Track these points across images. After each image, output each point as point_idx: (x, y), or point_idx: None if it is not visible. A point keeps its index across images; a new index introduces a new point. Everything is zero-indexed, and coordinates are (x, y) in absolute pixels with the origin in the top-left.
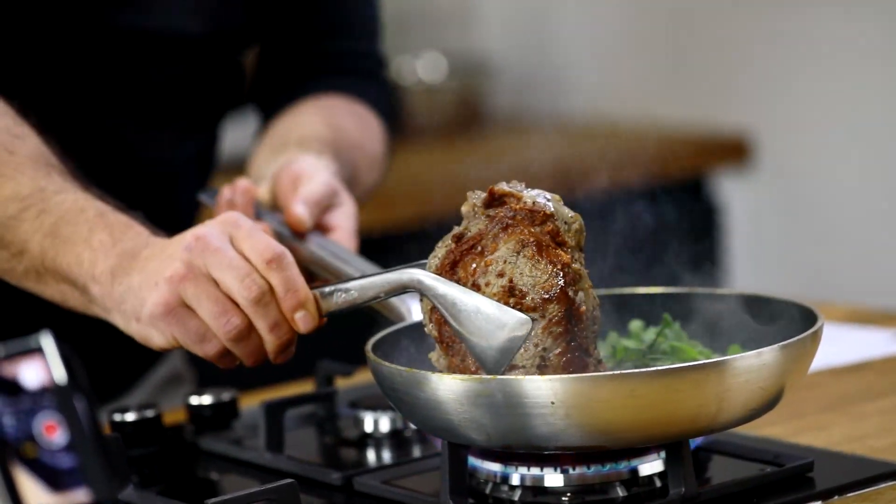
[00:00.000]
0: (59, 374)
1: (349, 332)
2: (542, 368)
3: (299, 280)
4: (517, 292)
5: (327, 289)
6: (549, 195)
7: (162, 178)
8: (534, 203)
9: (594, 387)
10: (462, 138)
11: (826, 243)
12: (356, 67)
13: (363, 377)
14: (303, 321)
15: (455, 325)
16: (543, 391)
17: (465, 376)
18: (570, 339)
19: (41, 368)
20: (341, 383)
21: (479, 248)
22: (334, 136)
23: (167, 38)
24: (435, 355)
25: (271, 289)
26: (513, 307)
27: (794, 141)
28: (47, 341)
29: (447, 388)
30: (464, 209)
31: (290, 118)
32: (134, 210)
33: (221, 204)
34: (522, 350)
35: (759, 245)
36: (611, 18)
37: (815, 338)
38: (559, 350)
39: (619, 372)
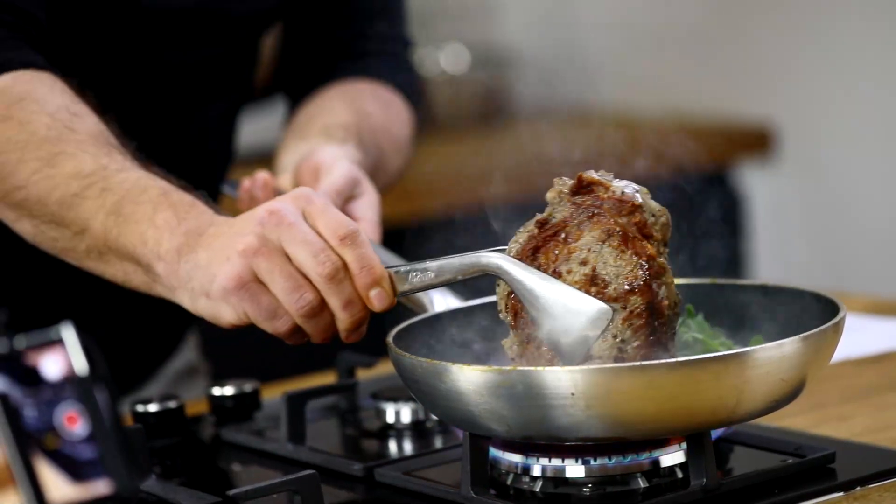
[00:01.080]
0: (81, 365)
1: (371, 324)
2: (619, 360)
3: (374, 257)
4: (599, 281)
5: (403, 268)
6: (637, 186)
7: (194, 162)
8: (622, 193)
9: (614, 378)
10: (485, 130)
11: (849, 234)
12: (383, 50)
13: (384, 368)
14: (378, 299)
15: (532, 312)
16: (563, 382)
17: (485, 367)
18: (649, 332)
19: (62, 360)
20: (363, 374)
21: (563, 236)
22: (359, 121)
23: (206, 16)
24: (508, 342)
25: (345, 265)
26: (594, 296)
27: (818, 132)
28: (69, 333)
29: (467, 379)
30: (549, 195)
31: (314, 105)
32: (197, 190)
33: (242, 197)
34: (600, 340)
35: (782, 236)
36: (634, 9)
37: (837, 329)
38: (638, 343)
39: (639, 363)
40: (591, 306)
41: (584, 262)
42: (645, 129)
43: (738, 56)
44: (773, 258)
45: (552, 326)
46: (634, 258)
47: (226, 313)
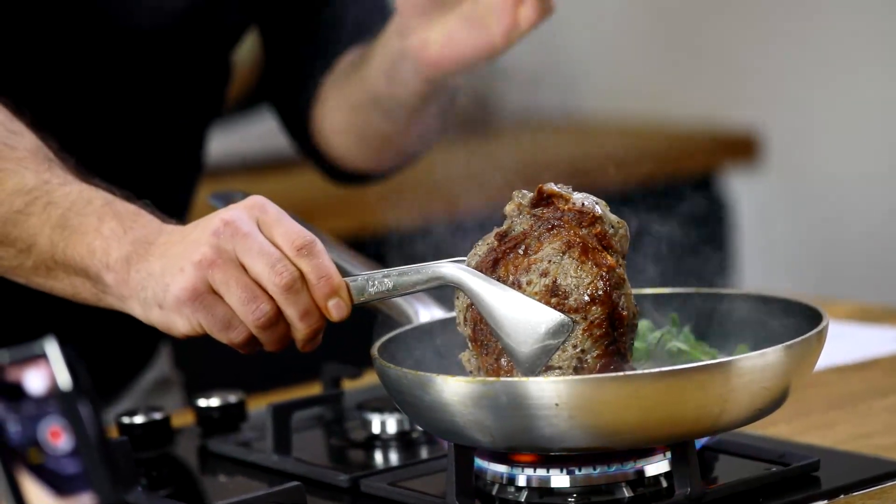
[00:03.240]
0: (64, 379)
1: (356, 334)
2: (579, 370)
3: (331, 267)
4: (560, 292)
5: (361, 278)
6: (596, 199)
7: (153, 180)
8: (582, 205)
9: (598, 388)
10: (472, 137)
11: (834, 241)
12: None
13: (370, 379)
14: (336, 309)
15: (491, 323)
16: (547, 393)
17: (469, 378)
18: (609, 342)
19: (45, 374)
20: (348, 385)
21: (523, 248)
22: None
23: (149, 33)
24: (466, 355)
25: (302, 276)
26: (554, 307)
27: (804, 139)
28: (52, 347)
29: (452, 390)
30: (508, 208)
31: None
32: (140, 199)
33: None
34: (560, 351)
35: (767, 242)
36: (620, 16)
37: (820, 338)
38: (598, 353)
39: (622, 373)
40: (551, 317)
41: (544, 274)
42: (631, 135)
43: (724, 62)
44: (758, 264)
45: (512, 338)
46: (595, 269)
47: (179, 324)
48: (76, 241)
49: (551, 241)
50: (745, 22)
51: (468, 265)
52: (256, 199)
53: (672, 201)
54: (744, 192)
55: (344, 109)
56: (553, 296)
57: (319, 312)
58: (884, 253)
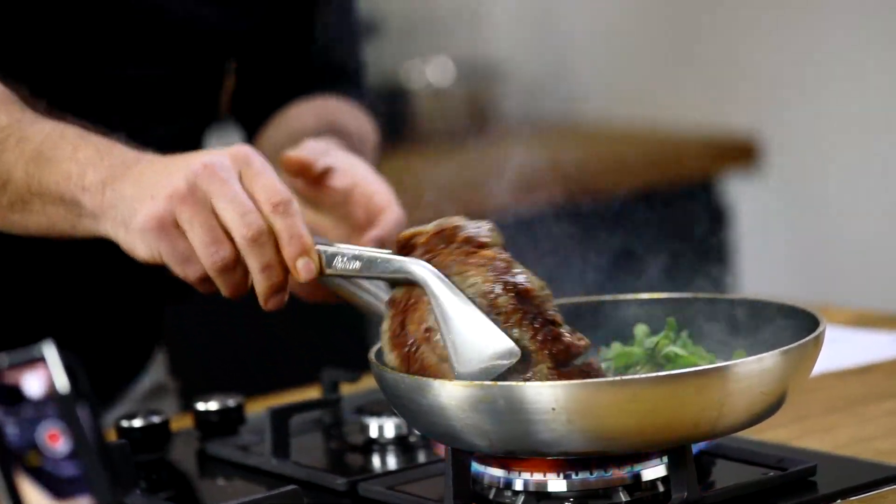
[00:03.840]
0: (62, 382)
1: (354, 339)
2: (531, 359)
3: (304, 228)
4: None
5: (331, 249)
6: (445, 218)
7: None
8: (439, 227)
9: (596, 392)
10: (471, 143)
11: (833, 246)
12: (338, 76)
13: (368, 383)
14: (304, 269)
15: (444, 331)
16: (545, 397)
17: (467, 382)
18: (531, 318)
19: (44, 378)
20: (347, 389)
21: (413, 300)
22: (328, 127)
23: (166, 30)
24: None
25: (270, 231)
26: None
27: (803, 144)
28: (50, 351)
29: (449, 394)
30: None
31: (280, 121)
32: (116, 135)
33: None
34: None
35: (767, 248)
36: (619, 22)
37: (817, 342)
38: (529, 334)
39: (620, 378)
40: (502, 343)
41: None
42: (630, 141)
43: (724, 68)
44: (757, 269)
45: (458, 354)
46: (479, 269)
47: (140, 249)
48: (52, 170)
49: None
50: (745, 27)
51: (383, 341)
52: (243, 150)
53: (671, 206)
54: (743, 197)
55: (271, 149)
56: None
57: (283, 269)
58: (882, 258)
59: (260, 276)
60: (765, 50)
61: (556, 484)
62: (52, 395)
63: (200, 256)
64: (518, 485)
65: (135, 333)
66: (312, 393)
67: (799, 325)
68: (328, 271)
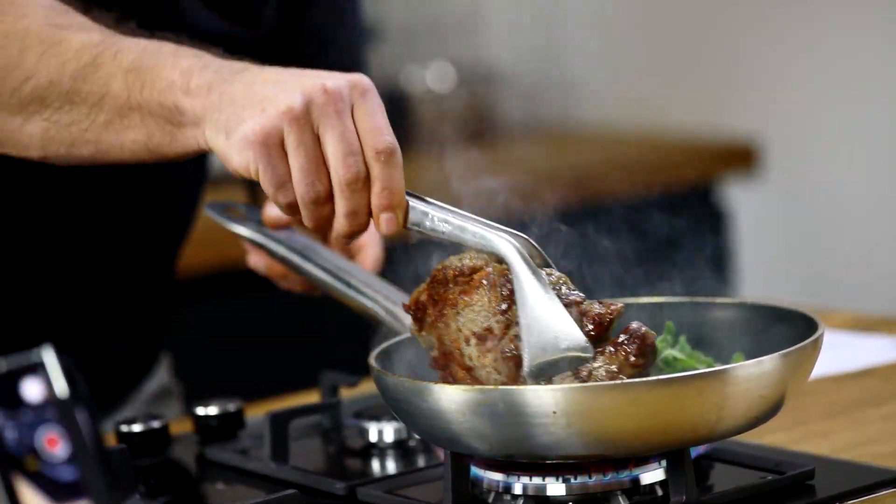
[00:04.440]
0: (61, 387)
1: (354, 343)
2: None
3: (400, 182)
4: (485, 335)
5: (423, 206)
6: (435, 266)
7: (162, 186)
8: (432, 278)
9: (595, 396)
10: (471, 147)
11: (833, 250)
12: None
13: (368, 387)
14: (387, 223)
15: (521, 315)
16: (545, 400)
17: (467, 386)
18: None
19: (43, 382)
20: (346, 394)
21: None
22: None
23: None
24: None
25: (366, 178)
26: (504, 338)
27: (802, 148)
28: (49, 355)
29: (449, 398)
30: (412, 330)
31: None
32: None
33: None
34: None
35: (766, 252)
36: (618, 27)
37: (815, 346)
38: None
39: (619, 382)
40: (578, 337)
41: (466, 340)
42: (629, 145)
43: (723, 72)
44: (756, 273)
45: (533, 339)
46: (478, 291)
47: (236, 161)
48: (153, 78)
49: (448, 319)
50: (744, 32)
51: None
52: (362, 82)
53: (671, 210)
54: (742, 201)
55: None
56: (482, 341)
57: (368, 217)
58: (881, 262)
59: (344, 219)
60: (764, 55)
61: (556, 488)
62: (50, 399)
63: (296, 184)
64: (517, 489)
65: (141, 337)
66: (312, 397)
67: (797, 328)
68: (414, 228)
